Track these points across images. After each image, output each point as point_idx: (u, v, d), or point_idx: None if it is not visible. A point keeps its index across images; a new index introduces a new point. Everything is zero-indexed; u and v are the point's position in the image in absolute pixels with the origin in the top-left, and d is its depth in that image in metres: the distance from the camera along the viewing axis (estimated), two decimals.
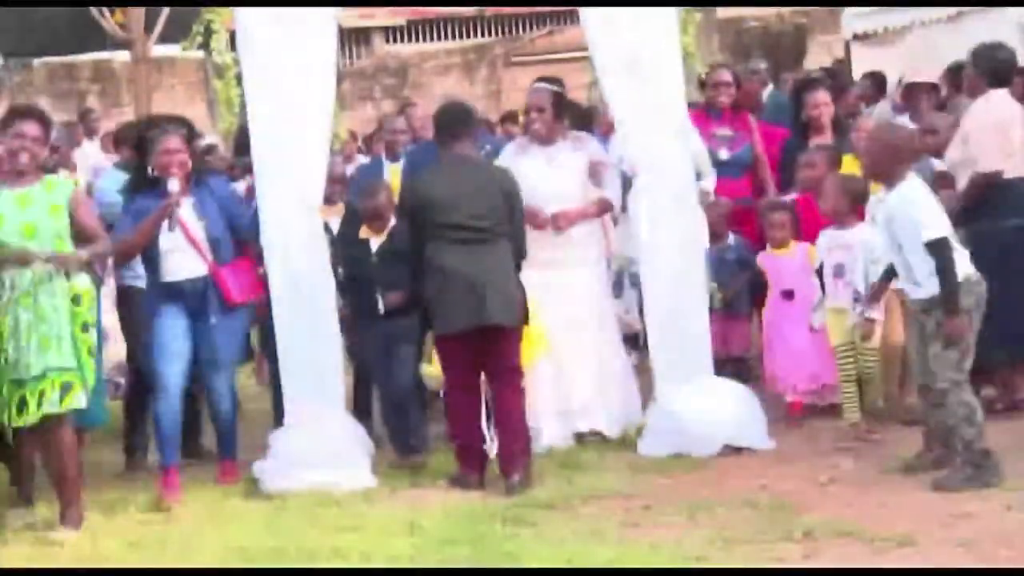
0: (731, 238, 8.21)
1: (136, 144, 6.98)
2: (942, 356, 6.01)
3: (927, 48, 9.77)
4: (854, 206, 6.94)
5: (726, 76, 8.68)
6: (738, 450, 6.93)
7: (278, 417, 7.17)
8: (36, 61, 21.13)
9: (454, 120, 6.80)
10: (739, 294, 8.18)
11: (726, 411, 7.02)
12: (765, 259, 7.66)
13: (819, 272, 7.12)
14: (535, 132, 7.50)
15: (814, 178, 7.43)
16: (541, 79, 7.76)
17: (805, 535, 5.52)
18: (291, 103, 6.89)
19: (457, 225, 6.49)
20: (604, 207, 7.54)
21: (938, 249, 5.94)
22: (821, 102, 8.13)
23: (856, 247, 6.92)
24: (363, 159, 10.86)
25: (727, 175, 8.33)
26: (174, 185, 6.66)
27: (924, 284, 6.03)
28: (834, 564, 5.18)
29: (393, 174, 8.09)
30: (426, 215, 6.54)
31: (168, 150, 6.72)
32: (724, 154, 8.38)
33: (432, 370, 7.01)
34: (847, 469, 6.49)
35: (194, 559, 5.67)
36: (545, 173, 7.39)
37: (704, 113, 8.50)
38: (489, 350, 6.55)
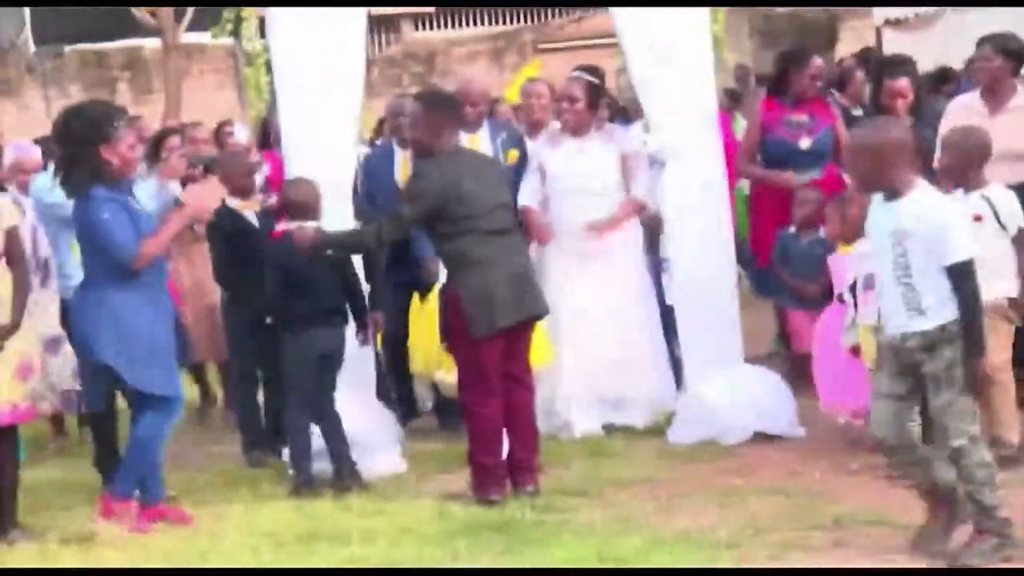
0: (821, 231, 7.46)
1: (90, 133, 5.90)
2: (957, 405, 4.95)
3: (959, 33, 9.69)
4: None
5: (820, 64, 7.96)
6: (768, 438, 6.92)
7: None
8: (67, 48, 21.24)
9: (457, 110, 6.50)
10: (824, 289, 7.34)
11: (756, 399, 7.00)
12: (832, 261, 6.87)
13: (852, 287, 6.39)
14: (565, 123, 7.47)
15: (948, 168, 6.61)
16: (579, 68, 7.65)
17: (835, 523, 5.51)
18: (320, 90, 6.89)
19: (490, 216, 6.19)
20: (634, 208, 7.43)
21: (966, 273, 4.93)
22: (899, 91, 7.55)
23: None
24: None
25: (809, 166, 7.69)
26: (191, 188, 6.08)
27: (932, 313, 4.95)
28: (864, 552, 5.16)
29: (403, 162, 7.51)
30: (458, 209, 6.15)
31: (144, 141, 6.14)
32: (804, 142, 7.73)
33: (448, 376, 6.76)
34: (878, 457, 6.45)
35: (224, 543, 5.70)
36: (576, 165, 7.36)
37: (776, 100, 7.94)
38: (519, 346, 6.28)
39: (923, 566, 4.98)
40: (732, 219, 7.39)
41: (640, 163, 7.42)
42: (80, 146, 5.89)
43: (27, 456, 7.52)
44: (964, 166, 6.07)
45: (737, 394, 6.96)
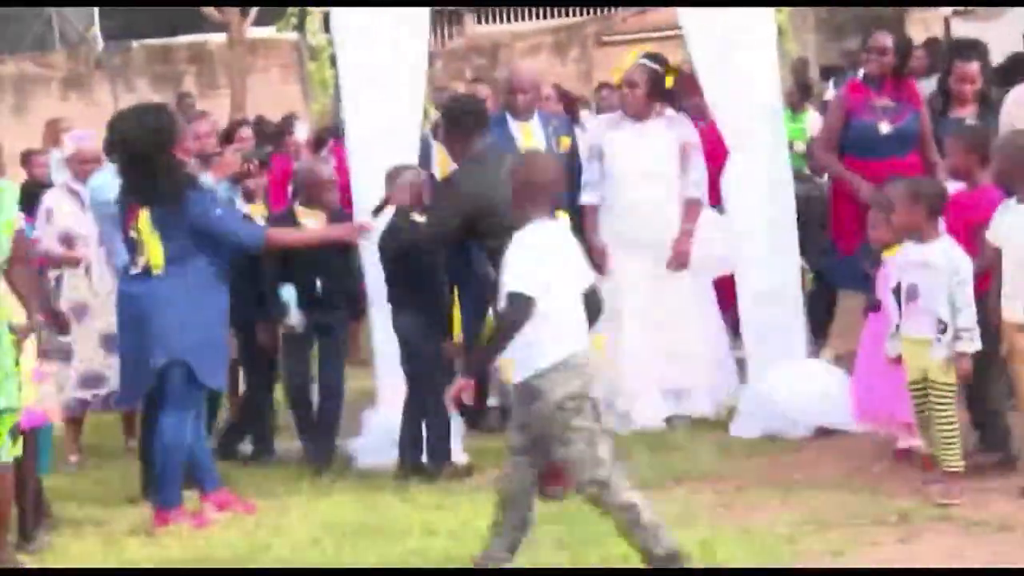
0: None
1: (168, 140, 6.00)
2: (573, 456, 4.84)
3: None
4: (931, 215, 5.82)
5: (883, 41, 7.42)
6: (831, 433, 6.86)
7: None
8: (135, 43, 21.46)
9: (475, 117, 6.56)
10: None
11: (819, 393, 6.95)
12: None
13: (896, 292, 5.94)
14: (626, 107, 7.44)
15: (953, 167, 6.30)
16: (646, 55, 7.58)
17: (900, 519, 5.46)
18: (384, 84, 6.92)
19: None
20: (696, 210, 7.40)
21: (508, 302, 4.78)
22: (967, 75, 7.32)
23: (935, 265, 5.76)
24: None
25: (891, 153, 7.22)
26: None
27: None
28: (930, 548, 5.12)
29: (442, 154, 7.50)
30: (490, 214, 6.22)
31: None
32: (885, 127, 7.28)
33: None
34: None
35: (286, 536, 5.74)
36: (636, 149, 7.34)
37: (862, 84, 7.53)
38: None
39: (989, 566, 4.93)
40: None
41: (698, 154, 7.41)
42: (161, 155, 5.94)
43: (96, 451, 7.62)
44: (1016, 171, 5.80)
45: (800, 389, 6.91)
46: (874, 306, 6.34)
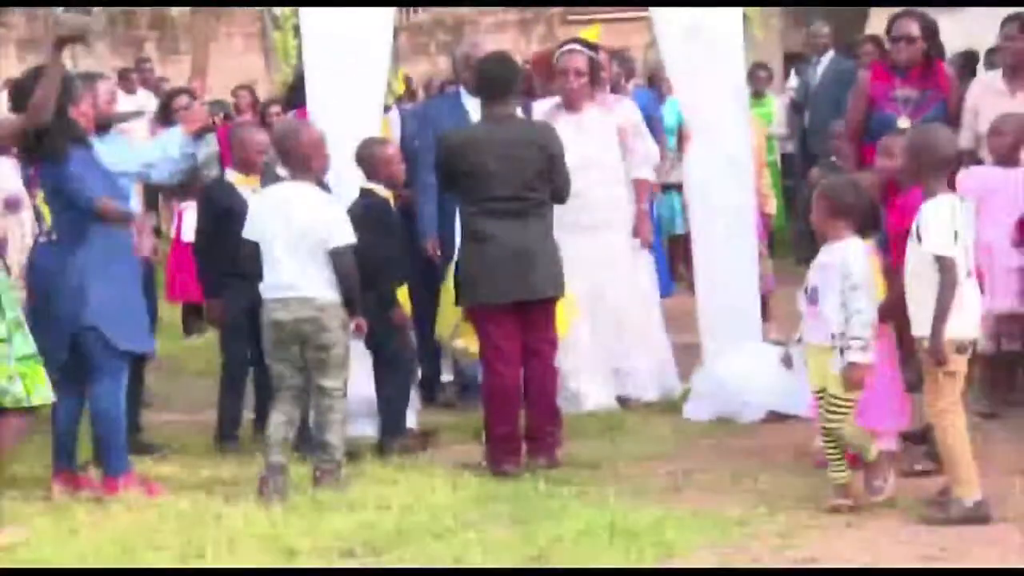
0: None
1: (61, 97, 5.83)
2: None
3: (991, 16, 9.58)
4: (834, 216, 5.40)
5: (908, 28, 6.95)
6: (782, 417, 6.90)
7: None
8: (95, 8, 21.22)
9: (499, 80, 6.31)
10: None
11: (772, 377, 6.97)
12: None
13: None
14: (574, 93, 7.34)
15: (889, 169, 6.06)
16: (573, 40, 7.57)
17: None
18: (347, 56, 6.88)
19: (501, 197, 6.15)
20: (646, 189, 7.52)
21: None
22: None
23: (832, 268, 5.36)
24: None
25: None
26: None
27: None
28: (876, 534, 5.16)
29: (383, 126, 7.41)
30: (467, 183, 6.22)
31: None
32: (903, 122, 6.73)
33: (467, 343, 6.71)
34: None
35: (238, 505, 5.71)
36: (574, 141, 7.25)
37: (887, 70, 7.04)
38: (535, 320, 6.24)
39: (936, 550, 4.98)
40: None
41: (637, 135, 7.43)
42: (54, 114, 5.79)
43: (43, 416, 7.51)
44: (916, 170, 5.33)
45: (753, 373, 6.95)
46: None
